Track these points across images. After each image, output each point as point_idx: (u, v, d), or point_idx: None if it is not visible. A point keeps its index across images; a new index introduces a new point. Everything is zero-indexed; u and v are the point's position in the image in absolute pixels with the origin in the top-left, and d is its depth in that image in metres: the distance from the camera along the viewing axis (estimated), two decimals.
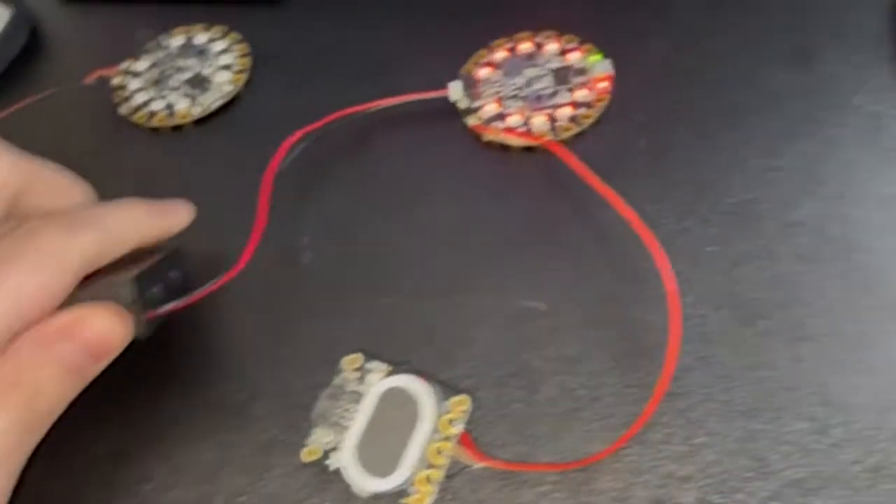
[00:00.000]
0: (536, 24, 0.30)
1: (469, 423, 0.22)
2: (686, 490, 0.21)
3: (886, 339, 0.22)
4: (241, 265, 0.23)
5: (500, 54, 0.30)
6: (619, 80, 0.28)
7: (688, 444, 0.21)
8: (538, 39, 0.30)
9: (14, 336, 0.19)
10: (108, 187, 0.29)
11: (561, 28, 0.30)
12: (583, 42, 0.29)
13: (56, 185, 0.23)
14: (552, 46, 0.29)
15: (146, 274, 0.21)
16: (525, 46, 0.30)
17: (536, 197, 0.27)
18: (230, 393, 0.24)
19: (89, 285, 0.21)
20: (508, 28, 0.30)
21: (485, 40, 0.30)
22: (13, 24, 0.34)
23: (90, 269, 0.20)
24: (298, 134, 0.27)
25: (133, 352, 0.20)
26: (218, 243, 0.27)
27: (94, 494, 0.23)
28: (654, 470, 0.21)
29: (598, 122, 0.28)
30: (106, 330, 0.20)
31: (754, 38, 0.29)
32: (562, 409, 0.22)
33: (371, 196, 0.28)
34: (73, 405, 0.19)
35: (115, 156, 0.30)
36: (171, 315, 0.22)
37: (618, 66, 0.29)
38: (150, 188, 0.29)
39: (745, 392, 0.22)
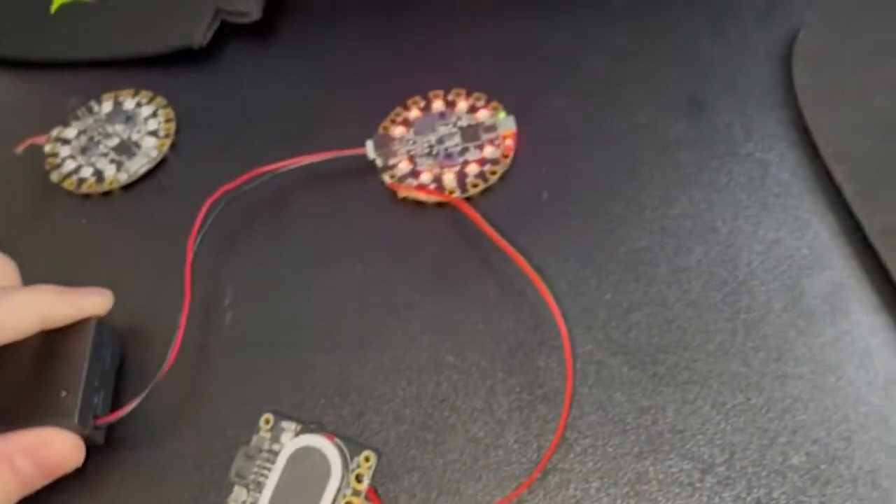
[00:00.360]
0: (448, 82, 0.32)
1: (377, 477, 0.23)
2: None
3: (767, 379, 0.24)
4: (171, 361, 0.24)
5: (414, 112, 0.31)
6: (523, 136, 0.30)
7: (582, 489, 0.23)
8: (450, 97, 0.31)
9: None
10: (40, 253, 0.30)
11: (470, 86, 0.31)
12: (490, 100, 0.31)
13: None
14: (462, 104, 0.31)
15: (86, 389, 0.24)
16: (437, 105, 0.31)
17: (447, 251, 0.28)
18: (152, 452, 0.25)
19: (32, 399, 0.23)
20: (423, 86, 0.32)
21: (401, 98, 0.32)
22: None
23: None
24: (216, 195, 0.28)
25: None
26: (147, 307, 0.28)
27: None
28: None
29: (503, 178, 0.29)
30: (66, 456, 0.23)
31: (651, 91, 0.31)
32: (467, 460, 0.24)
33: (290, 254, 0.29)
34: None
35: (47, 222, 0.31)
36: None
37: (523, 121, 0.30)
38: (81, 254, 0.30)
39: (637, 435, 0.23)
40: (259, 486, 0.23)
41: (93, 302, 0.25)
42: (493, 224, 0.27)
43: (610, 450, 0.23)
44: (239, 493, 0.23)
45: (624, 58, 0.32)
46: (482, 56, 0.32)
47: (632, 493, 0.22)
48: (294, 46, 0.35)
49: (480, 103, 0.31)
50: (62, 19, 0.37)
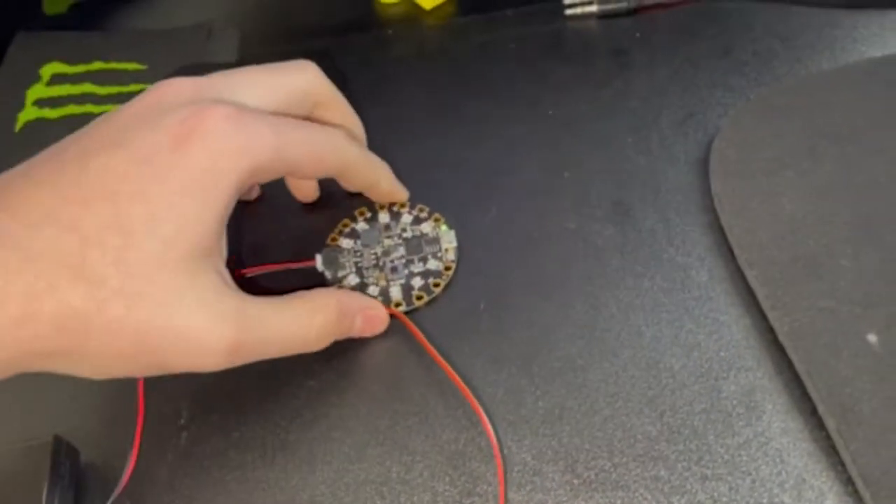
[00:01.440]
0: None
1: None
2: None
3: (689, 481, 0.25)
4: (124, 485, 0.26)
5: (361, 224, 0.33)
6: (465, 247, 0.32)
7: None
8: (395, 209, 0.33)
9: None
10: None
11: (413, 199, 0.33)
12: (432, 212, 0.33)
13: (342, 111, 0.31)
14: (406, 216, 0.33)
15: None
16: (383, 216, 0.33)
17: (394, 362, 0.29)
18: None
19: None
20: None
21: (349, 209, 0.34)
22: None
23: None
24: None
25: None
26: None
27: None
28: None
29: (446, 289, 0.31)
30: (383, 321, 0.30)
31: (580, 197, 0.33)
32: None
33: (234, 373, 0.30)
34: None
35: None
36: None
37: (463, 233, 0.32)
38: None
39: None
40: None
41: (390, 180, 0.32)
42: (433, 336, 0.28)
43: None
44: None
45: (553, 166, 0.34)
46: (423, 170, 0.34)
47: None
48: None
49: (424, 215, 0.33)
50: (28, 136, 0.39)
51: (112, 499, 0.26)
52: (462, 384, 0.26)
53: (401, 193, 0.33)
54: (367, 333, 0.29)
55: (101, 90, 0.41)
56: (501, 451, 0.26)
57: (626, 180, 0.33)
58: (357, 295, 0.30)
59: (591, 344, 0.29)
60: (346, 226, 0.33)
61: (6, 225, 0.22)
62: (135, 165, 0.23)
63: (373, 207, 0.33)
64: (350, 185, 0.31)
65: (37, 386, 0.30)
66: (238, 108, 0.25)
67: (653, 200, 0.32)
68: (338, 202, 0.34)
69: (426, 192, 0.33)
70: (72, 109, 0.40)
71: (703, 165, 0.33)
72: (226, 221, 0.25)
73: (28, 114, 0.40)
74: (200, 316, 0.23)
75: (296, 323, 0.26)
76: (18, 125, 0.40)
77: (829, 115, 0.33)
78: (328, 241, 0.33)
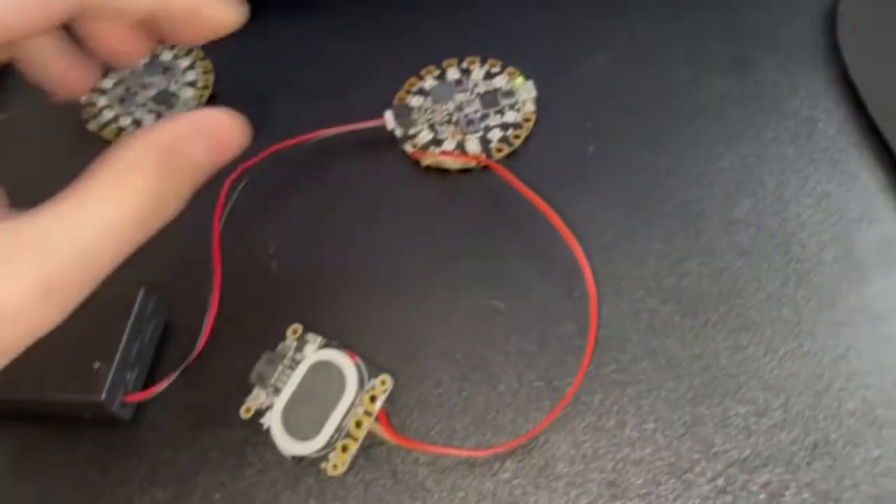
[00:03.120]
0: (461, 51, 0.31)
1: (391, 402, 0.24)
2: (639, 473, 0.22)
3: (819, 326, 0.24)
4: (202, 344, 0.25)
5: (429, 82, 0.31)
6: (550, 98, 0.30)
7: (639, 430, 0.23)
8: (464, 65, 0.31)
9: None
10: None
11: (487, 53, 0.31)
12: (505, 66, 0.31)
13: None
14: (477, 72, 0.31)
15: (120, 363, 0.23)
16: (452, 73, 0.31)
17: (482, 213, 0.28)
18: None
19: (63, 366, 0.22)
20: (436, 55, 0.31)
21: (414, 68, 0.31)
22: None
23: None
24: (236, 173, 0.27)
25: None
26: (184, 266, 0.28)
27: (72, 496, 0.24)
28: (608, 455, 0.22)
29: (528, 140, 0.29)
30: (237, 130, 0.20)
31: (694, 49, 0.31)
32: (492, 400, 0.24)
33: (320, 216, 0.28)
34: None
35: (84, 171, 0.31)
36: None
37: (567, 78, 0.30)
38: None
39: (691, 380, 0.23)
40: (277, 391, 0.23)
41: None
42: (528, 184, 0.27)
43: (664, 394, 0.23)
44: (258, 395, 0.24)
45: (664, 16, 0.32)
46: (508, 17, 0.32)
47: (688, 435, 0.22)
48: (325, 7, 0.35)
49: (496, 69, 0.31)
50: None
51: (188, 362, 0.24)
52: (560, 223, 0.25)
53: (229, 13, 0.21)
54: (221, 159, 0.19)
55: None
56: (599, 288, 0.25)
57: (745, 33, 0.31)
58: (180, 116, 0.19)
59: (710, 191, 0.27)
60: (412, 85, 0.31)
61: None
62: None
63: (440, 65, 0.31)
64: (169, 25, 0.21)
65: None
66: None
67: (773, 53, 0.30)
68: (402, 60, 0.32)
69: (510, 45, 0.31)
70: None
71: (826, 19, 0.31)
72: None
73: None
74: None
75: (103, 215, 0.17)
76: None
77: None
78: (395, 101, 0.31)
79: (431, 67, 0.31)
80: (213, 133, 0.19)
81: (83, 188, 0.17)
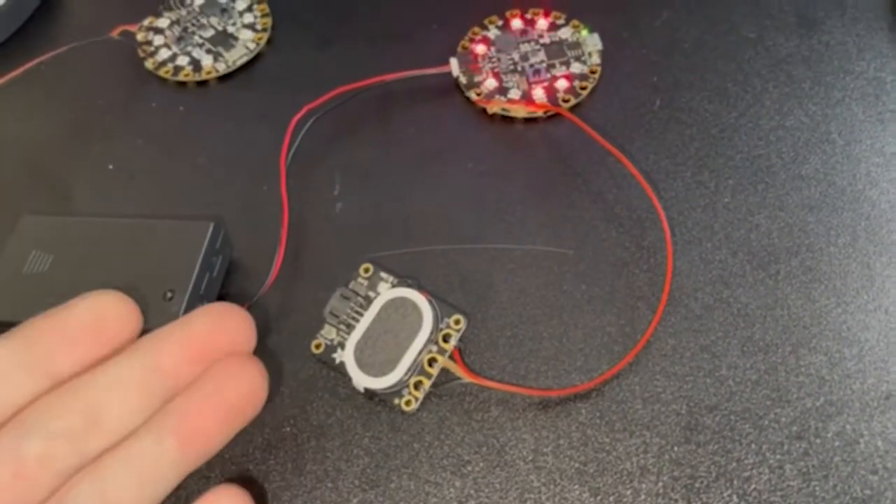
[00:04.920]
0: (525, 3, 0.31)
1: (465, 341, 0.24)
2: (713, 417, 0.22)
3: (891, 280, 0.24)
4: (272, 279, 0.24)
5: (493, 31, 0.31)
6: (618, 51, 0.30)
7: (713, 377, 0.23)
8: (528, 16, 0.31)
9: None
10: (136, 140, 0.30)
11: (548, 7, 0.31)
12: (570, 18, 0.31)
13: None
14: (542, 22, 0.31)
15: (192, 294, 0.23)
16: (516, 23, 0.31)
17: (551, 160, 0.28)
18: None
19: (136, 292, 0.22)
20: (499, 5, 0.31)
21: (476, 17, 0.31)
22: None
23: None
24: (301, 113, 0.27)
25: None
26: (249, 207, 0.27)
27: None
28: (681, 399, 0.22)
29: (594, 92, 0.29)
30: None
31: (759, 8, 0.31)
32: (565, 340, 0.24)
33: (388, 158, 0.28)
34: None
35: (142, 109, 0.30)
36: None
37: (622, 33, 0.30)
38: (178, 142, 0.30)
39: (763, 330, 0.23)
40: (349, 328, 0.23)
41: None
42: (606, 131, 0.27)
43: (736, 342, 0.23)
44: (329, 331, 0.24)
45: None
46: None
47: (761, 382, 0.23)
48: None
49: (561, 21, 0.31)
50: None
51: (259, 294, 0.24)
52: (636, 171, 0.25)
53: None
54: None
55: None
56: (672, 237, 0.25)
57: None
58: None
59: (779, 148, 0.27)
60: (476, 34, 0.31)
61: None
62: None
63: (503, 15, 0.31)
64: None
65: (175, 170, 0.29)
66: None
67: (840, 15, 0.30)
68: (464, 11, 0.31)
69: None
70: None
71: None
72: None
73: None
74: None
75: None
76: None
77: None
78: (459, 48, 0.30)
79: (494, 17, 0.31)
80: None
81: None
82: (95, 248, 0.24)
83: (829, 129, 0.27)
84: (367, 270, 0.25)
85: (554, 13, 0.31)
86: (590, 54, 0.30)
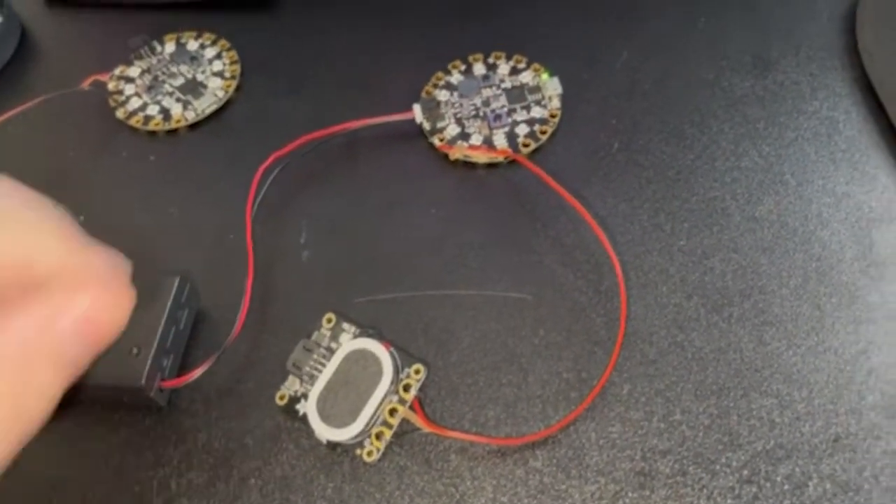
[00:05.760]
0: (487, 47, 0.32)
1: (425, 390, 0.24)
2: (667, 462, 0.23)
3: (840, 322, 0.25)
4: (238, 329, 0.25)
5: (455, 76, 0.31)
6: (577, 94, 0.30)
7: (666, 422, 0.23)
8: (490, 60, 0.32)
9: None
10: (107, 189, 0.30)
11: (512, 49, 0.32)
12: (531, 62, 0.31)
13: None
14: (504, 67, 0.31)
15: (158, 349, 0.24)
16: (478, 68, 0.31)
17: (510, 206, 0.28)
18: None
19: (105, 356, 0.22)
20: (462, 50, 0.32)
21: (440, 62, 0.32)
22: (2, 30, 0.34)
23: None
24: (268, 161, 0.28)
25: None
26: (216, 255, 0.28)
27: (110, 480, 0.24)
28: (636, 445, 0.23)
29: (554, 135, 0.29)
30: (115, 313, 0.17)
31: (716, 49, 0.31)
32: (523, 388, 0.24)
33: (353, 205, 0.29)
34: None
35: (113, 158, 0.31)
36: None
37: (591, 77, 0.31)
38: (148, 191, 0.30)
39: (717, 373, 0.24)
40: (312, 380, 0.24)
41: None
42: (554, 178, 0.27)
43: (690, 386, 0.24)
44: (293, 382, 0.24)
45: (686, 16, 0.32)
46: (530, 18, 0.33)
47: (713, 426, 0.23)
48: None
49: (522, 65, 0.31)
50: None
51: (224, 347, 0.25)
52: (589, 216, 0.25)
53: None
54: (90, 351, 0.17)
55: None
56: (627, 282, 0.25)
57: (766, 34, 0.32)
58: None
59: (734, 189, 0.28)
60: (439, 79, 0.31)
61: None
62: None
63: (466, 59, 0.32)
64: None
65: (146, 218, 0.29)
66: None
67: (794, 55, 0.31)
68: (428, 54, 0.32)
69: (536, 40, 0.32)
70: None
71: (846, 22, 0.31)
72: None
73: None
74: None
75: None
76: None
77: None
78: (423, 94, 0.31)
79: (457, 62, 0.32)
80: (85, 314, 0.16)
81: None
82: None
83: (782, 170, 0.28)
84: (329, 321, 0.25)
85: (516, 56, 0.32)
86: (550, 98, 0.30)
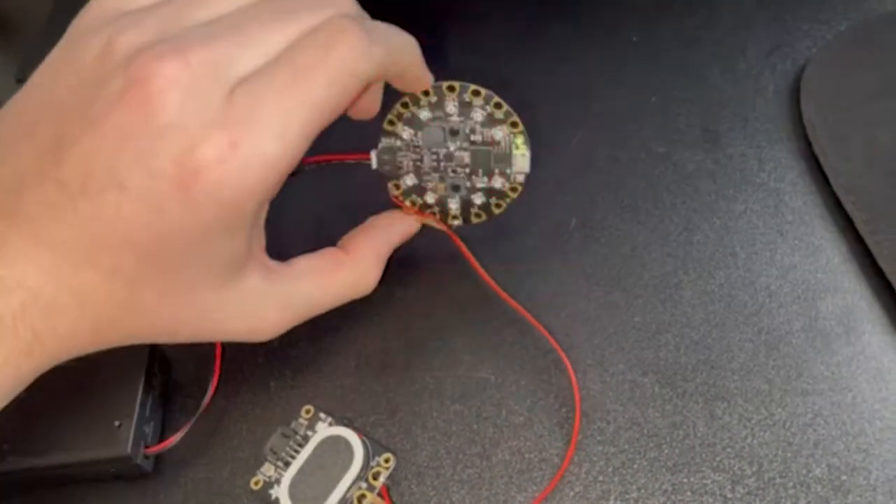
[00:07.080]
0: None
1: (395, 478, 0.25)
2: None
3: (788, 395, 0.26)
4: (212, 392, 0.26)
5: (424, 112, 0.27)
6: (548, 167, 0.31)
7: (623, 500, 0.24)
8: (466, 97, 0.27)
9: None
10: None
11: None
12: (509, 114, 0.27)
13: None
14: (478, 113, 0.27)
15: (139, 418, 0.25)
16: (450, 108, 0.27)
17: (467, 275, 0.29)
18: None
19: (85, 427, 0.24)
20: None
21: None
22: None
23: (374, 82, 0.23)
24: None
25: None
26: None
27: None
28: None
29: (509, 209, 0.29)
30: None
31: (668, 123, 0.33)
32: (487, 472, 0.25)
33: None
34: None
35: None
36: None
37: (548, 154, 0.32)
38: None
39: (671, 449, 0.25)
40: (286, 465, 0.25)
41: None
42: (508, 253, 0.29)
43: (646, 463, 0.25)
44: (268, 467, 0.26)
45: (638, 91, 0.34)
46: (502, 92, 0.34)
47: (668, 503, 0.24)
48: None
49: (500, 115, 0.27)
50: None
51: (201, 410, 0.26)
52: (518, 306, 0.27)
53: (428, 78, 0.26)
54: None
55: None
56: (584, 361, 0.26)
57: (714, 108, 0.33)
58: (384, 227, 0.28)
59: (686, 263, 0.29)
60: (406, 107, 0.27)
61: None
62: (143, 216, 0.19)
63: (439, 91, 0.27)
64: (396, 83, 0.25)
65: None
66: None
67: (742, 128, 0.32)
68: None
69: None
70: None
71: (792, 95, 0.33)
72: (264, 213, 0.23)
73: None
74: (245, 324, 0.24)
75: (342, 291, 0.26)
76: None
77: None
78: (385, 124, 0.27)
79: (430, 93, 0.27)
80: (406, 233, 0.29)
81: (331, 274, 0.26)
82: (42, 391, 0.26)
83: (731, 243, 0.29)
84: (308, 412, 0.26)
85: (495, 101, 0.27)
86: (515, 176, 0.28)
